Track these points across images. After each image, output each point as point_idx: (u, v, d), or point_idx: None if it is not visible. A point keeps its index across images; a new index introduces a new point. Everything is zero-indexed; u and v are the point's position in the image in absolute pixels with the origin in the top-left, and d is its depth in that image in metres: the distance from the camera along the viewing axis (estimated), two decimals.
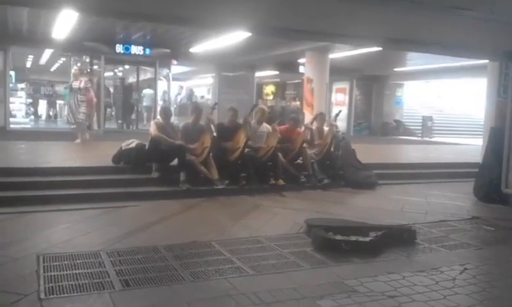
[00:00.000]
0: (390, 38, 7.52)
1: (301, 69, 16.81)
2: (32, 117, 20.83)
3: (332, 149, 8.95)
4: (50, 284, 3.62)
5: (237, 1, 5.44)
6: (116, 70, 20.19)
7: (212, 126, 7.82)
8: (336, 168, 8.77)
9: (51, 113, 21.43)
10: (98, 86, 15.08)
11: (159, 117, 8.34)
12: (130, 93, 17.67)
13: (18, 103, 19.71)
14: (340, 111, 11.25)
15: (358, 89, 21.49)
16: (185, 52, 15.40)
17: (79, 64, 11.75)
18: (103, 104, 15.30)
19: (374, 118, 21.89)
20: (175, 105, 20.69)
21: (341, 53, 14.12)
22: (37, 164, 7.45)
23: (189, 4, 5.73)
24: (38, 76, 23.51)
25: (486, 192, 7.81)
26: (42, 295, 3.43)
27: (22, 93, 20.74)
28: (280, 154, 8.11)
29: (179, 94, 23.28)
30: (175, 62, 16.78)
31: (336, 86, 21.19)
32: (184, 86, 25.16)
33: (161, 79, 17.32)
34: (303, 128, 8.98)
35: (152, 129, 7.56)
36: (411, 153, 13.98)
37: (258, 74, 20.14)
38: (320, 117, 9.40)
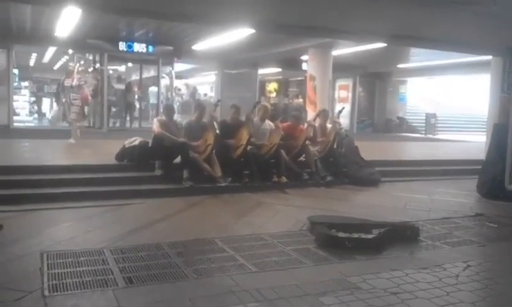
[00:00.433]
0: (394, 34, 7.52)
1: (304, 66, 16.78)
2: (36, 115, 20.87)
3: (335, 146, 8.95)
4: (54, 282, 3.64)
5: None
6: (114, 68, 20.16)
7: (215, 123, 7.82)
8: (340, 165, 8.76)
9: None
10: (102, 84, 15.14)
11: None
12: (129, 91, 17.67)
13: (21, 102, 19.74)
14: (343, 108, 11.24)
15: (361, 86, 21.43)
16: (188, 50, 15.39)
17: (71, 63, 11.27)
18: (106, 102, 15.29)
19: (377, 115, 21.84)
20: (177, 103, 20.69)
21: (344, 50, 14.08)
22: (41, 162, 7.48)
23: (192, 0, 5.74)
24: (41, 74, 23.56)
25: (489, 188, 7.80)
26: (46, 292, 3.45)
27: (25, 91, 20.77)
28: (282, 151, 8.11)
29: (177, 94, 23.20)
30: (176, 59, 16.80)
31: (340, 82, 21.15)
32: (181, 87, 25.13)
33: (164, 77, 17.31)
34: (305, 125, 8.97)
35: (155, 127, 7.57)
36: (415, 150, 13.95)
37: (261, 71, 20.12)
38: (323, 114, 9.40)
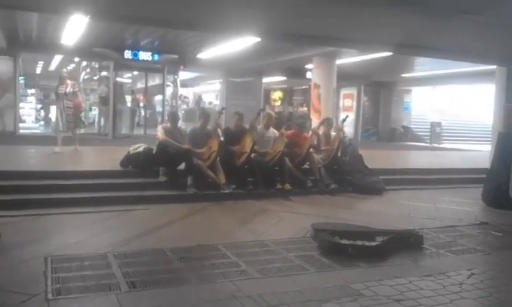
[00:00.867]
0: (399, 43, 7.54)
1: (309, 75, 16.84)
2: (42, 122, 20.99)
3: (339, 154, 8.95)
4: (58, 285, 3.65)
5: (246, 6, 5.49)
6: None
7: (219, 130, 7.86)
8: (344, 173, 8.75)
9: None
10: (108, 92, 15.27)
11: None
12: (133, 98, 17.78)
13: (28, 109, 19.86)
14: (347, 116, 11.24)
15: (365, 95, 21.44)
16: (193, 58, 15.49)
17: (65, 69, 10.78)
18: (112, 110, 15.36)
19: (381, 123, 21.82)
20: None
21: (348, 59, 14.12)
22: (46, 168, 7.53)
23: (199, 9, 5.80)
24: (47, 82, 23.73)
25: (494, 197, 7.76)
26: (50, 296, 3.47)
27: (31, 99, 20.91)
28: (286, 159, 8.12)
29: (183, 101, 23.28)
30: (182, 68, 16.91)
31: (344, 91, 21.17)
32: (188, 95, 25.26)
33: (169, 85, 17.41)
34: (310, 133, 8.98)
35: (160, 134, 7.61)
36: (419, 159, 13.92)
37: (265, 80, 20.19)
38: (327, 122, 9.40)
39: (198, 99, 26.33)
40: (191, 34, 11.93)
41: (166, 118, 11.70)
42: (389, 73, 19.14)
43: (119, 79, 16.87)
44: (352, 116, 19.51)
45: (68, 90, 9.78)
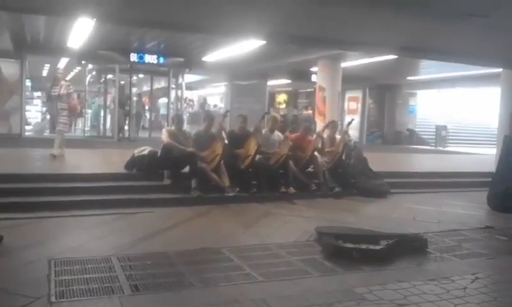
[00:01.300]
0: (404, 45, 7.54)
1: (314, 77, 16.83)
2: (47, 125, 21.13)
3: (344, 157, 8.93)
4: (61, 288, 3.66)
5: (252, 9, 5.50)
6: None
7: (223, 133, 7.86)
8: (348, 176, 8.74)
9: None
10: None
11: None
12: (138, 101, 17.87)
13: (34, 112, 19.99)
14: (352, 120, 11.23)
15: (370, 97, 21.42)
16: (199, 61, 15.53)
17: (60, 69, 10.29)
18: (117, 113, 15.42)
19: (386, 126, 21.78)
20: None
21: (353, 61, 14.12)
22: (51, 171, 7.56)
23: (204, 12, 5.81)
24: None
25: (499, 201, 7.72)
26: (53, 299, 3.48)
27: (37, 102, 21.05)
28: (291, 162, 8.12)
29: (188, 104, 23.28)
30: (188, 71, 16.96)
31: (349, 94, 21.15)
32: (193, 98, 25.33)
33: (174, 88, 17.47)
34: (314, 137, 8.97)
35: (164, 136, 7.62)
36: (424, 162, 13.88)
37: (270, 83, 20.21)
38: (332, 125, 9.40)
39: (203, 102, 26.39)
40: (197, 37, 11.97)
41: (171, 120, 11.73)
42: (394, 76, 19.11)
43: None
44: (357, 118, 19.49)
45: (62, 91, 9.24)
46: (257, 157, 7.86)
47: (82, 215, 6.13)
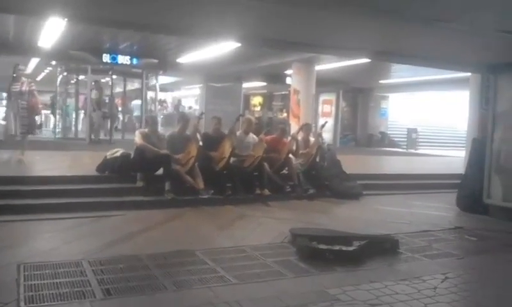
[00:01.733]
0: (375, 49, 7.64)
1: (288, 80, 16.93)
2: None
3: (318, 159, 9.01)
4: (31, 293, 3.58)
5: (225, 11, 5.49)
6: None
7: (198, 135, 7.82)
8: (322, 178, 8.81)
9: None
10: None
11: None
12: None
13: (1, 113, 19.50)
14: (326, 122, 11.34)
15: (344, 100, 21.66)
16: (173, 63, 15.41)
17: (21, 66, 9.05)
18: (96, 114, 15.10)
19: (359, 129, 22.05)
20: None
21: (327, 65, 14.25)
22: (20, 173, 7.37)
23: (178, 13, 5.77)
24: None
25: (468, 202, 7.91)
26: (22, 304, 3.40)
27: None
28: (265, 164, 8.13)
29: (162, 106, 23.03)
30: (162, 72, 16.82)
31: (323, 97, 21.35)
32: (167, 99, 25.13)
33: (148, 89, 17.29)
34: (289, 139, 9.02)
35: (137, 138, 7.53)
36: (396, 165, 14.11)
37: (245, 85, 20.22)
38: (306, 127, 9.48)
39: (177, 104, 26.21)
40: (171, 38, 11.87)
41: (145, 122, 11.58)
42: (367, 80, 19.37)
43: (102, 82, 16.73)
44: (331, 121, 19.68)
45: (24, 88, 8.62)
46: (232, 159, 7.85)
47: (53, 219, 5.99)
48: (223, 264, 4.49)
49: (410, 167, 12.70)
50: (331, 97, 21.26)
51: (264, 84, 20.55)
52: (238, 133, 8.35)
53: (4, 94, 19.50)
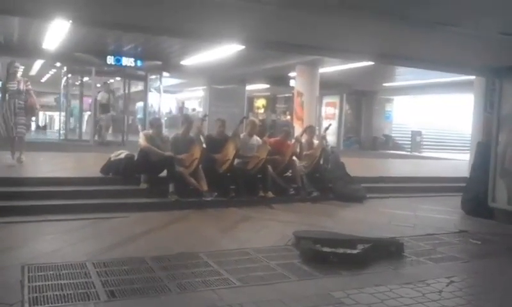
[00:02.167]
0: (380, 52, 7.62)
1: (292, 83, 16.93)
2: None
3: (321, 162, 8.99)
4: (35, 294, 3.58)
5: (229, 14, 5.48)
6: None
7: (201, 137, 7.82)
8: (326, 181, 8.80)
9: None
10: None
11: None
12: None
13: None
14: (330, 125, 11.32)
15: (347, 103, 21.64)
16: (177, 65, 15.44)
17: (17, 63, 8.52)
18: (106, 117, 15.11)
19: (363, 132, 22.03)
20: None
21: (331, 67, 14.25)
22: (25, 174, 7.39)
23: (182, 16, 5.77)
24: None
25: (473, 206, 7.88)
26: (26, 305, 3.40)
27: None
28: (269, 166, 8.13)
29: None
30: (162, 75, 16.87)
31: (327, 100, 21.34)
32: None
33: (152, 91, 17.32)
34: (293, 141, 9.02)
35: (141, 140, 7.55)
36: (400, 168, 14.08)
37: (249, 87, 20.24)
38: (309, 130, 9.48)
39: (181, 106, 26.27)
40: (175, 40, 11.90)
41: (149, 124, 11.56)
42: (371, 83, 19.36)
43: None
44: (334, 124, 19.64)
45: (21, 87, 8.22)
46: (236, 160, 7.85)
47: (56, 220, 6.00)
48: (226, 266, 4.48)
49: (414, 170, 12.67)
50: (335, 100, 21.24)
51: (268, 86, 20.57)
52: (242, 135, 8.35)
53: None
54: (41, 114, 26.28)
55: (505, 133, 7.60)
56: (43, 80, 22.49)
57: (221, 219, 6.75)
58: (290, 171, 8.57)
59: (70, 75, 16.39)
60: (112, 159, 7.76)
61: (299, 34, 6.53)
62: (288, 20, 5.74)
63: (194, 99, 27.82)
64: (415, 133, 21.49)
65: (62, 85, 16.50)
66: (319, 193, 8.47)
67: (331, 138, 16.75)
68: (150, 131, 7.86)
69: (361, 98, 21.99)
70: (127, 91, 16.87)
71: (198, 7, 5.27)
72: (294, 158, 8.61)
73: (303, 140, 9.07)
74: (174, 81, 21.69)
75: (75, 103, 17.68)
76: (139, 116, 17.71)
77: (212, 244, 5.41)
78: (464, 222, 7.36)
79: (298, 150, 8.76)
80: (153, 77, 16.95)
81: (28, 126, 8.66)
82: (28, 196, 6.56)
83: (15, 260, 4.34)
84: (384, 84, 19.48)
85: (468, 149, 11.77)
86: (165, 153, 7.38)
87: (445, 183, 10.46)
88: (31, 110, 8.49)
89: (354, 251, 4.95)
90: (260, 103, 25.85)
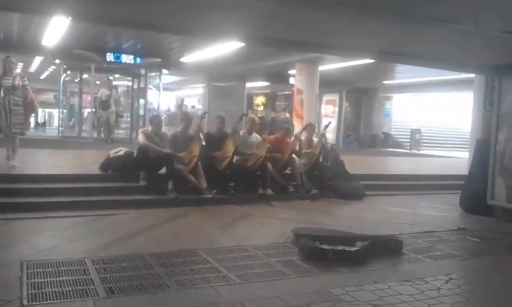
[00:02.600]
0: (380, 50, 7.62)
1: (291, 80, 16.92)
2: None
3: (321, 159, 9.00)
4: (34, 291, 3.58)
5: (230, 11, 5.48)
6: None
7: (201, 135, 7.82)
8: (325, 179, 8.80)
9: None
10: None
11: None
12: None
13: None
14: (329, 122, 11.33)
15: (347, 101, 21.64)
16: (176, 62, 15.42)
17: (11, 58, 7.83)
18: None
19: (363, 130, 22.04)
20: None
21: (331, 65, 14.25)
22: (24, 171, 7.38)
23: (183, 13, 5.76)
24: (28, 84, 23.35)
25: (472, 203, 7.89)
26: (25, 302, 3.40)
27: None
28: (268, 164, 8.13)
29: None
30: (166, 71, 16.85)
31: (326, 97, 21.33)
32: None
33: (151, 88, 17.29)
34: (292, 139, 9.01)
35: (140, 138, 7.55)
36: (399, 165, 14.08)
37: (248, 85, 20.23)
38: (309, 127, 9.47)
39: (181, 103, 26.26)
40: (174, 38, 11.89)
41: (149, 121, 11.54)
42: (370, 80, 19.35)
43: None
44: (334, 121, 19.66)
45: (17, 83, 7.65)
46: (235, 158, 7.85)
47: (55, 217, 6.00)
48: (225, 263, 4.49)
49: (414, 168, 12.67)
50: (334, 97, 21.24)
51: (267, 83, 20.55)
52: (241, 132, 8.35)
53: None
54: (40, 110, 26.22)
55: (504, 131, 7.60)
56: (43, 77, 22.48)
57: (220, 216, 6.75)
58: (289, 168, 8.57)
59: (69, 72, 16.38)
60: (111, 156, 7.76)
61: (299, 31, 6.53)
62: (288, 18, 5.74)
63: (194, 96, 27.82)
64: (414, 131, 21.50)
65: (61, 82, 16.47)
66: (318, 191, 8.48)
67: (330, 136, 16.77)
68: (149, 128, 7.86)
69: (361, 96, 21.98)
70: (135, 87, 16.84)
71: (197, 4, 5.27)
72: (294, 155, 8.62)
73: (303, 138, 9.07)
74: (173, 78, 21.68)
75: (74, 100, 17.65)
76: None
77: (211, 241, 5.41)
78: (463, 220, 7.36)
79: (297, 148, 8.77)
80: (153, 74, 16.89)
81: (26, 126, 8.10)
82: (27, 192, 6.56)
83: (14, 257, 4.34)
84: (384, 82, 19.48)
85: (467, 147, 11.77)
86: (164, 150, 7.37)
87: (444, 180, 10.47)
88: (31, 107, 7.94)
89: (353, 249, 4.96)
90: (260, 100, 25.85)
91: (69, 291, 3.63)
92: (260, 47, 10.72)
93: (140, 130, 8.04)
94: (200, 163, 7.49)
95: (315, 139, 9.25)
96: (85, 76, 16.65)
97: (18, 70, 8.87)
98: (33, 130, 18.60)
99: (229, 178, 7.76)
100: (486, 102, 8.24)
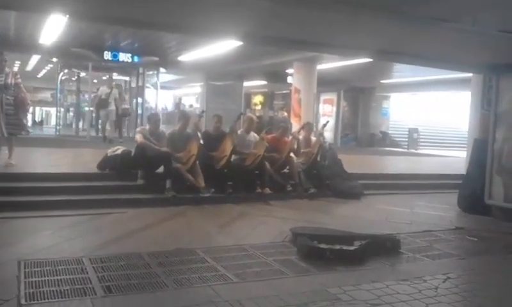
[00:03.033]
0: (377, 49, 7.62)
1: (289, 79, 16.92)
2: None
3: (319, 159, 9.00)
4: (31, 290, 3.57)
5: (227, 10, 5.47)
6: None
7: (199, 134, 7.81)
8: (323, 178, 8.81)
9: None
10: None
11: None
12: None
13: None
14: (327, 122, 11.32)
15: (345, 100, 21.66)
16: (174, 61, 15.40)
17: (5, 56, 7.54)
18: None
19: (360, 129, 22.05)
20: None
21: (329, 64, 14.25)
22: (21, 170, 7.36)
23: (180, 11, 5.75)
24: (25, 82, 23.30)
25: (469, 203, 7.89)
26: (22, 301, 3.38)
27: None
28: (266, 163, 8.12)
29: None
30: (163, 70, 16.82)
31: (324, 96, 21.34)
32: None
33: (148, 87, 17.27)
34: (290, 138, 9.01)
35: (138, 136, 7.53)
36: (397, 165, 14.08)
37: (246, 84, 20.22)
38: (307, 127, 9.47)
39: (178, 102, 26.24)
40: (172, 36, 11.87)
41: (147, 120, 11.50)
42: (368, 79, 19.37)
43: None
44: (332, 120, 19.67)
45: (9, 81, 7.39)
46: (233, 157, 7.84)
47: (53, 216, 5.98)
48: (223, 262, 4.48)
49: (411, 167, 12.68)
50: (332, 96, 21.25)
51: (265, 82, 20.54)
52: (239, 131, 8.34)
53: None
54: (37, 109, 26.23)
55: (502, 130, 7.61)
56: (40, 75, 22.43)
57: (218, 215, 6.75)
58: (287, 167, 8.57)
59: (66, 71, 16.34)
60: (109, 155, 7.75)
61: (297, 30, 6.52)
62: (287, 16, 5.73)
63: (192, 95, 27.80)
64: (412, 131, 21.54)
65: (59, 80, 16.43)
66: (316, 190, 8.48)
67: (328, 135, 16.75)
68: (147, 127, 7.85)
69: (359, 95, 21.99)
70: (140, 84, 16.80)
71: (195, 2, 5.26)
72: (292, 154, 8.61)
73: (301, 137, 9.07)
74: (171, 77, 21.66)
75: (72, 98, 17.63)
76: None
77: (209, 240, 5.41)
78: (461, 219, 7.37)
79: (295, 147, 8.76)
80: (150, 72, 16.86)
81: (22, 126, 7.76)
82: (24, 191, 6.54)
83: (11, 256, 4.32)
84: (382, 81, 19.50)
85: (464, 147, 11.79)
86: (162, 148, 7.36)
87: (442, 180, 10.49)
88: (22, 106, 7.61)
89: (351, 248, 4.96)
90: (258, 99, 25.84)
91: (67, 290, 3.62)
92: (258, 46, 10.72)
93: (138, 129, 8.02)
94: (197, 162, 7.48)
95: (313, 138, 9.24)
96: (82, 74, 16.61)
97: (15, 68, 8.75)
98: (30, 128, 18.58)
99: (227, 177, 7.75)
100: (484, 101, 8.25)
